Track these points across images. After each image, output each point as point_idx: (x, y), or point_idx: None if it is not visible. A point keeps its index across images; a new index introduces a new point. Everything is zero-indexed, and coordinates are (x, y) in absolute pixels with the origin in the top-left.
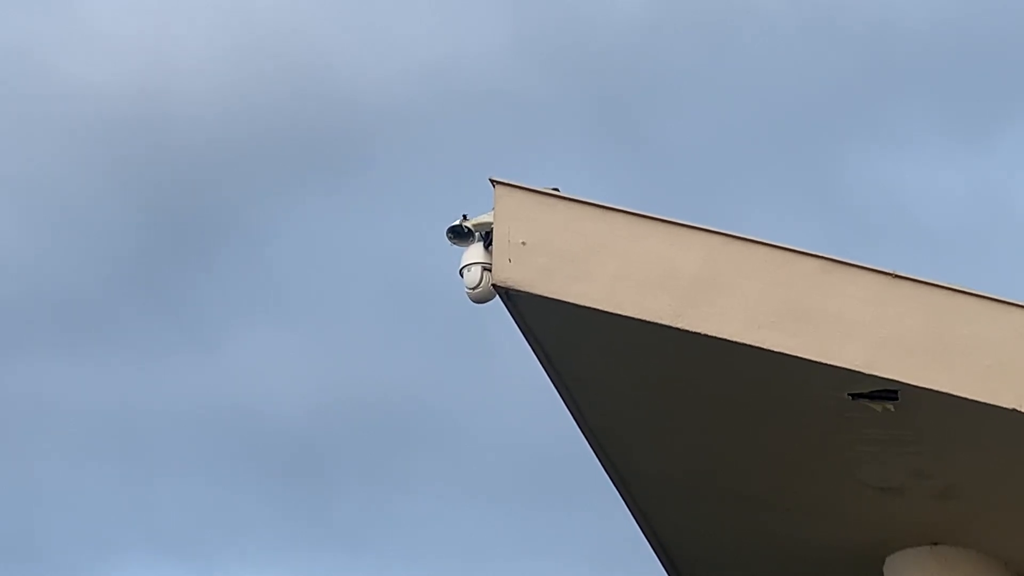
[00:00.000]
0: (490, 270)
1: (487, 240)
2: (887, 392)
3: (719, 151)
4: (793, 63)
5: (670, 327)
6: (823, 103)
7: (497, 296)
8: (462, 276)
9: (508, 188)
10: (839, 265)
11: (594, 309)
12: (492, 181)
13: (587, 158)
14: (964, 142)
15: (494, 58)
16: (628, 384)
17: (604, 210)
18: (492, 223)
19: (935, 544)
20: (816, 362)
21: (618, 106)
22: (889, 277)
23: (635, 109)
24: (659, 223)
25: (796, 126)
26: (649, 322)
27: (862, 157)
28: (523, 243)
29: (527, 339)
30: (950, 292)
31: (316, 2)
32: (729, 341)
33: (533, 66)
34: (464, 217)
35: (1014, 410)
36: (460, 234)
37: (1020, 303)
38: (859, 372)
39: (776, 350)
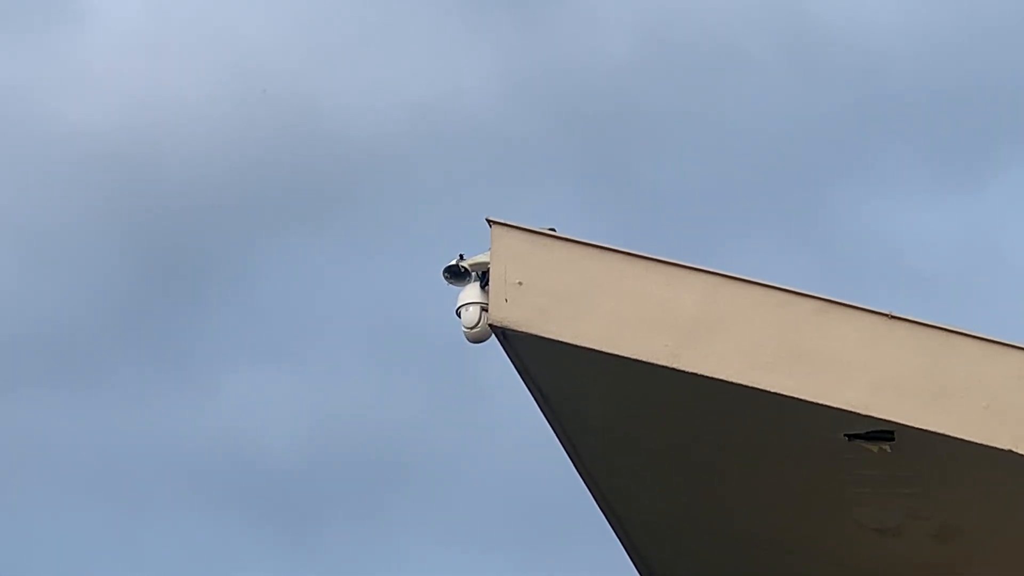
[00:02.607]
0: (487, 310)
1: (483, 280)
2: (883, 433)
3: (708, 192)
4: (782, 105)
5: (667, 368)
6: (813, 146)
7: (493, 336)
8: (459, 316)
9: (505, 228)
10: (836, 306)
11: (591, 349)
12: (489, 221)
13: (576, 198)
14: (954, 185)
15: (483, 98)
16: (625, 424)
17: (601, 250)
18: (488, 263)
19: None
20: (813, 403)
21: (607, 146)
22: (886, 318)
23: (624, 149)
24: (656, 263)
25: (785, 168)
26: (646, 362)
27: (852, 200)
28: (519, 283)
29: (523, 379)
30: (946, 333)
31: (305, 41)
32: (726, 382)
33: (522, 106)
34: (460, 257)
35: (1010, 451)
36: (456, 274)
37: (1016, 344)
38: (856, 413)
39: (773, 391)
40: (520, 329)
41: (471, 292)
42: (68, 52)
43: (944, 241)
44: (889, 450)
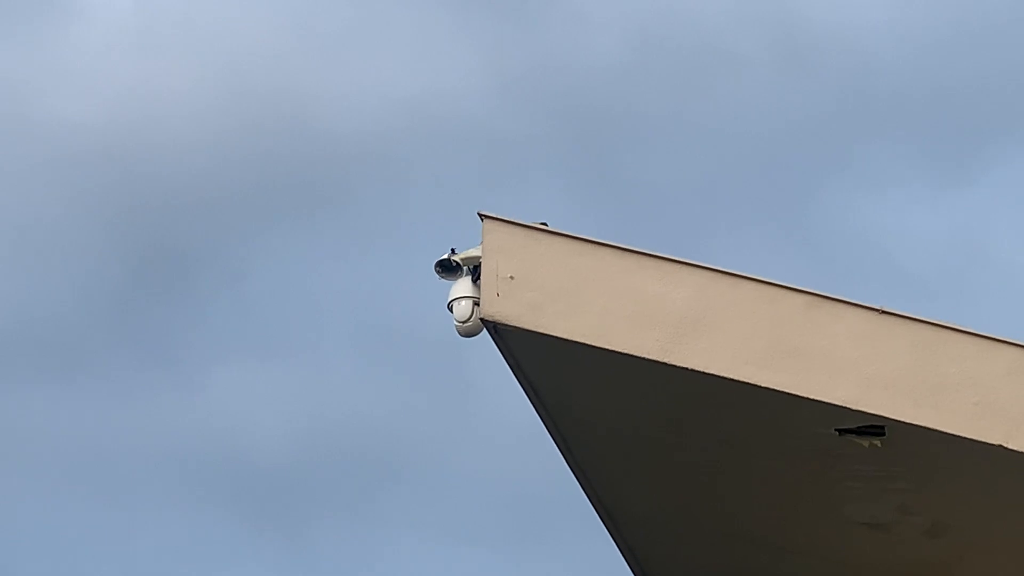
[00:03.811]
0: (479, 304)
1: (475, 274)
2: (873, 428)
3: (697, 190)
4: (771, 104)
5: (658, 362)
6: (801, 144)
7: (485, 330)
8: (451, 310)
9: (496, 222)
10: (827, 301)
11: (582, 344)
12: (480, 215)
13: (566, 195)
14: (943, 183)
15: (473, 95)
16: (616, 419)
17: (592, 245)
18: (480, 257)
19: None
20: (804, 398)
21: (597, 144)
22: (877, 313)
23: (614, 147)
24: (648, 258)
25: (774, 166)
26: (637, 357)
27: (841, 198)
28: (511, 277)
29: (515, 373)
30: (937, 328)
31: (295, 39)
32: (717, 377)
33: (512, 103)
34: (452, 251)
35: (1000, 446)
36: (448, 268)
37: (1007, 340)
38: (847, 408)
39: (764, 386)
40: (511, 323)
41: (463, 286)
42: (59, 48)
43: (932, 238)
44: (880, 445)
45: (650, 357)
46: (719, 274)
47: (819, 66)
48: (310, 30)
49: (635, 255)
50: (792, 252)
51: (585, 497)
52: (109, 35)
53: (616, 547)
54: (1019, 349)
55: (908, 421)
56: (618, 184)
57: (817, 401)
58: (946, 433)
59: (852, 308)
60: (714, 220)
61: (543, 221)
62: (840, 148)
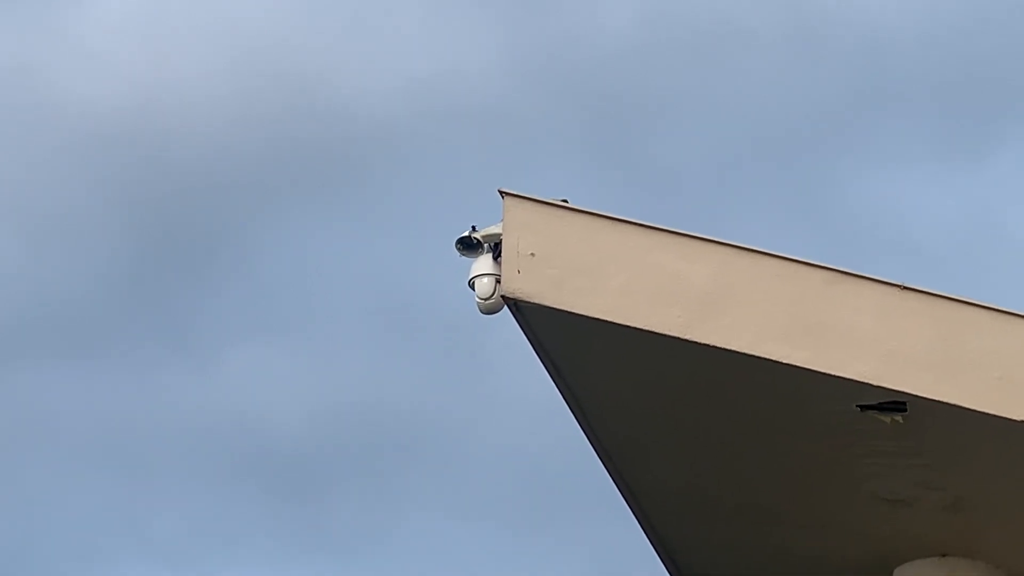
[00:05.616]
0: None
1: (496, 251)
2: (896, 404)
3: (711, 169)
4: (785, 81)
5: (679, 339)
6: (815, 122)
7: (506, 307)
8: (472, 287)
9: (517, 199)
10: (848, 277)
11: (603, 321)
12: (501, 192)
13: (579, 174)
14: (958, 161)
15: (487, 74)
16: (637, 396)
17: (614, 221)
18: (501, 234)
19: (943, 555)
20: (825, 374)
21: (610, 123)
22: (898, 289)
23: (627, 126)
24: (669, 235)
25: (788, 145)
26: (658, 334)
27: (855, 176)
28: (532, 254)
29: (536, 351)
30: (958, 304)
31: (310, 17)
32: (738, 353)
33: (526, 82)
34: (473, 228)
35: (1022, 422)
36: (469, 245)
37: None
38: (868, 384)
39: (785, 362)
40: (532, 300)
41: (484, 263)
42: (73, 31)
43: (948, 216)
44: (901, 421)
45: (671, 334)
46: (740, 250)
47: (834, 44)
48: (324, 10)
49: (656, 232)
50: (808, 230)
51: (606, 474)
52: (123, 18)
53: (638, 524)
54: None
55: (929, 397)
56: (635, 163)
57: (838, 377)
58: (968, 409)
59: (873, 284)
60: (730, 198)
61: (564, 198)
62: (856, 126)
